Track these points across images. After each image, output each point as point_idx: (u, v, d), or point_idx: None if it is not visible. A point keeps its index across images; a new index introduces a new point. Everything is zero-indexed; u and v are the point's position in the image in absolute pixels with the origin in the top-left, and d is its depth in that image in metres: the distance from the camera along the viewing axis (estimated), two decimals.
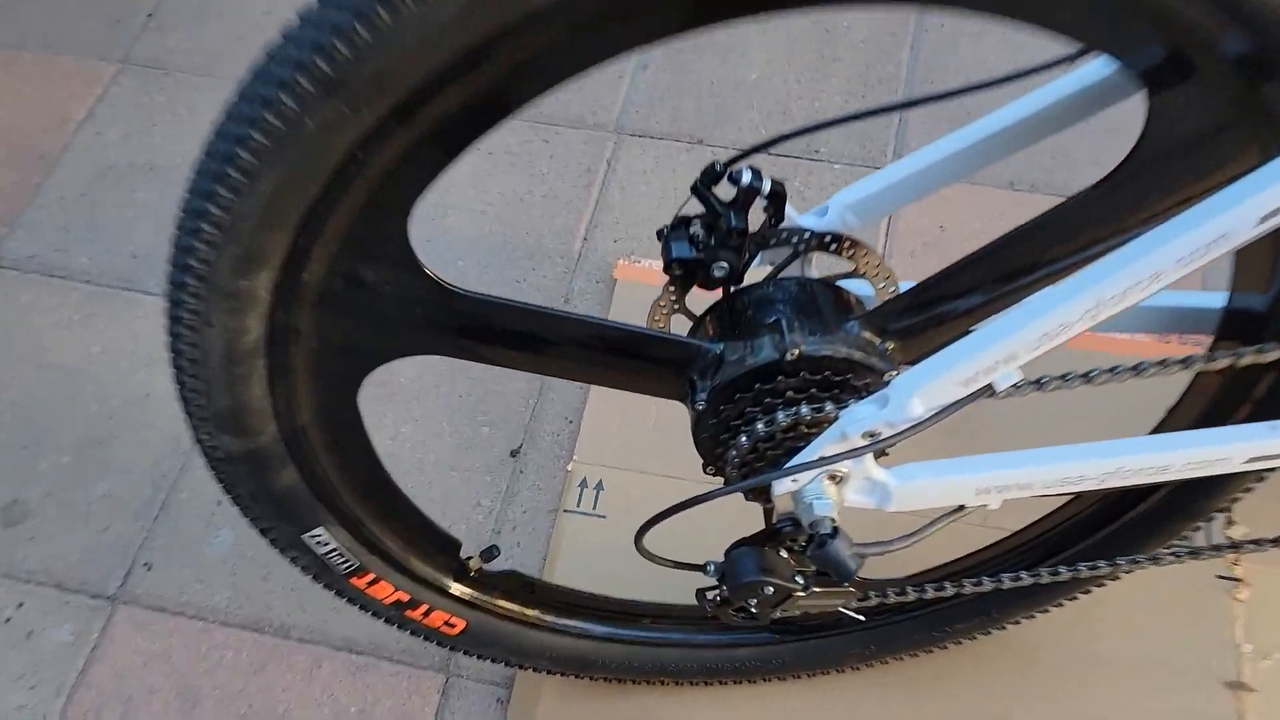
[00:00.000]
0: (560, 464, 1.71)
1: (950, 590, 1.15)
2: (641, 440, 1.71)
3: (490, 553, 1.23)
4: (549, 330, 0.98)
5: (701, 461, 1.08)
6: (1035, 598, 1.31)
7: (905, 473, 0.99)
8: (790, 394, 0.99)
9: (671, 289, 1.10)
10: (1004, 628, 1.39)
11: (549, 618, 1.33)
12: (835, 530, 0.97)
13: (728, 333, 1.04)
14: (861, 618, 1.18)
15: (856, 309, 1.04)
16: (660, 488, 1.66)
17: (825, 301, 1.04)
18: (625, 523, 1.61)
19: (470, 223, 1.98)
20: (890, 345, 1.02)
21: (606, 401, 1.77)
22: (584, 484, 1.70)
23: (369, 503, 1.12)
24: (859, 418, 0.92)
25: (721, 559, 1.05)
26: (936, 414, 0.90)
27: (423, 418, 1.77)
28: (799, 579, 1.03)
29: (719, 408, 1.01)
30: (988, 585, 1.16)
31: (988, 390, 0.90)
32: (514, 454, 1.74)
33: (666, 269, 1.10)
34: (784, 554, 1.05)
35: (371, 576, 1.17)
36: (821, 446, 0.94)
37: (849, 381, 0.99)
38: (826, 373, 0.98)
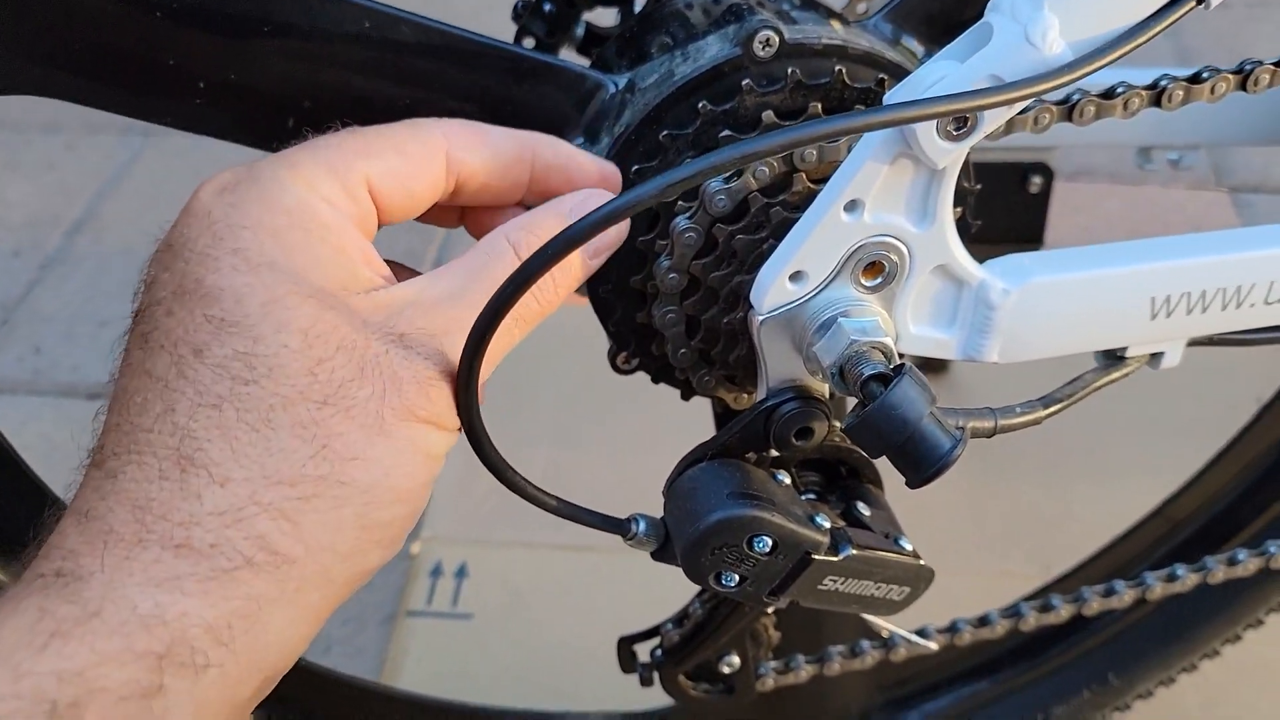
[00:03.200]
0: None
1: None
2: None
3: None
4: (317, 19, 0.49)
5: (610, 347, 0.57)
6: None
7: (1017, 268, 0.49)
8: (770, 112, 0.50)
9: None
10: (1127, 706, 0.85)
11: None
12: (903, 366, 0.45)
13: (636, 59, 0.55)
14: (931, 644, 0.64)
15: (850, 13, 0.58)
16: (555, 566, 1.11)
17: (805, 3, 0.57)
18: (501, 624, 1.05)
19: None
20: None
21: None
22: (437, 572, 1.13)
23: None
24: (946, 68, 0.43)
25: (658, 510, 0.52)
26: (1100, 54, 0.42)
27: None
28: (819, 516, 0.50)
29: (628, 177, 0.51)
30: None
31: None
32: None
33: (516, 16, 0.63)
34: (782, 475, 0.52)
35: None
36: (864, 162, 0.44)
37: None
38: (833, 78, 0.50)
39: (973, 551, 1.14)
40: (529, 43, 0.63)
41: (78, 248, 1.56)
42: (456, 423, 0.42)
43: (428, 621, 1.09)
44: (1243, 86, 0.51)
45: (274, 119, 0.51)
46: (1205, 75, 0.51)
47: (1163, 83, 0.51)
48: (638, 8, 0.64)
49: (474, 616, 1.09)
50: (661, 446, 0.52)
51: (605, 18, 0.65)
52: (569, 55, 0.66)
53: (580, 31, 0.64)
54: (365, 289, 0.41)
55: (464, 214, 0.50)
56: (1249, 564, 0.72)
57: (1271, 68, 0.50)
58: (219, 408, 0.37)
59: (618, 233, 0.47)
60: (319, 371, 0.38)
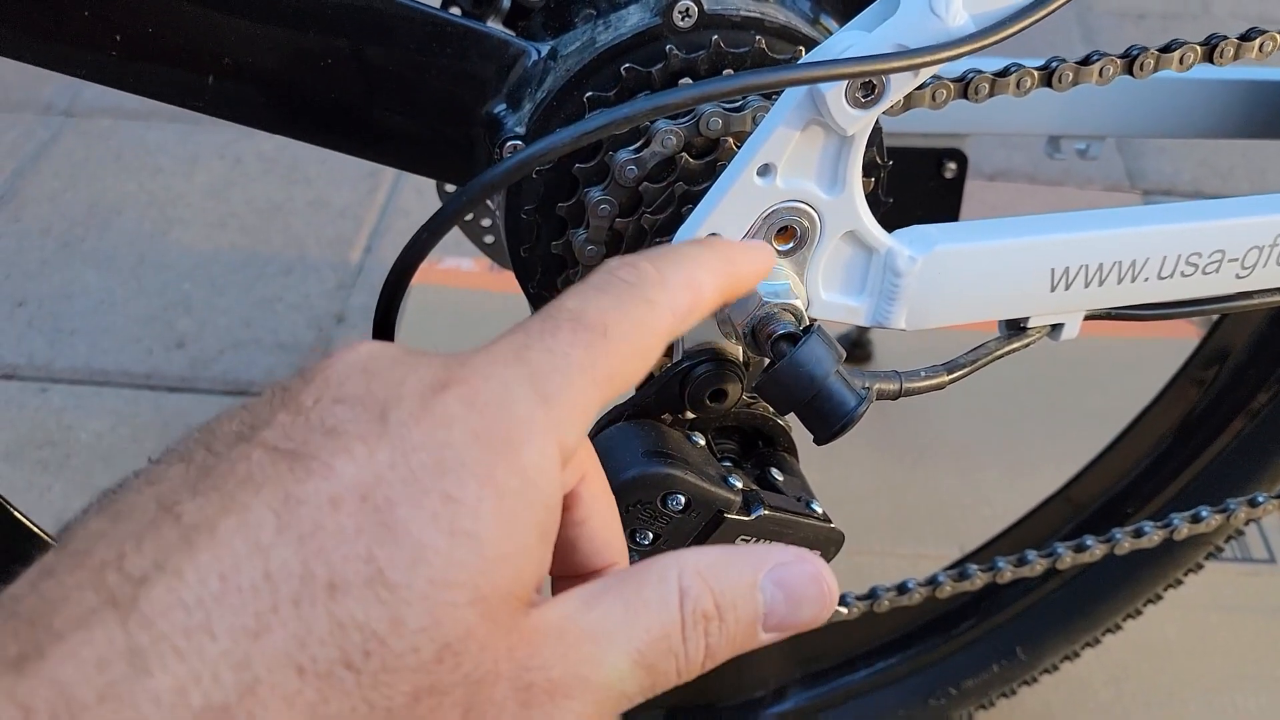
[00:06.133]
0: None
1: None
2: None
3: None
4: None
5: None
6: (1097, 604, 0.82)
7: (923, 236, 0.51)
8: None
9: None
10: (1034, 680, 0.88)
11: None
12: (811, 326, 0.46)
13: (560, 29, 0.56)
14: (844, 609, 0.66)
15: None
16: None
17: None
18: None
19: (203, 236, 1.46)
20: None
21: None
22: None
23: None
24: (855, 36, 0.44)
25: None
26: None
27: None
28: (732, 477, 0.51)
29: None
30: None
31: None
32: None
33: None
34: (698, 437, 0.53)
35: None
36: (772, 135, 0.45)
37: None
38: (749, 47, 0.51)
39: (891, 534, 1.17)
40: (455, 13, 0.63)
41: None
42: None
43: None
44: (1129, 71, 0.53)
45: (192, 76, 0.51)
46: (1094, 58, 0.53)
47: (1053, 64, 0.53)
48: None
49: None
50: None
51: None
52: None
53: (506, 4, 0.64)
54: (529, 597, 0.33)
55: None
56: (1154, 536, 0.75)
57: (1156, 54, 0.53)
58: (302, 673, 0.29)
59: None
60: (418, 702, 0.30)
